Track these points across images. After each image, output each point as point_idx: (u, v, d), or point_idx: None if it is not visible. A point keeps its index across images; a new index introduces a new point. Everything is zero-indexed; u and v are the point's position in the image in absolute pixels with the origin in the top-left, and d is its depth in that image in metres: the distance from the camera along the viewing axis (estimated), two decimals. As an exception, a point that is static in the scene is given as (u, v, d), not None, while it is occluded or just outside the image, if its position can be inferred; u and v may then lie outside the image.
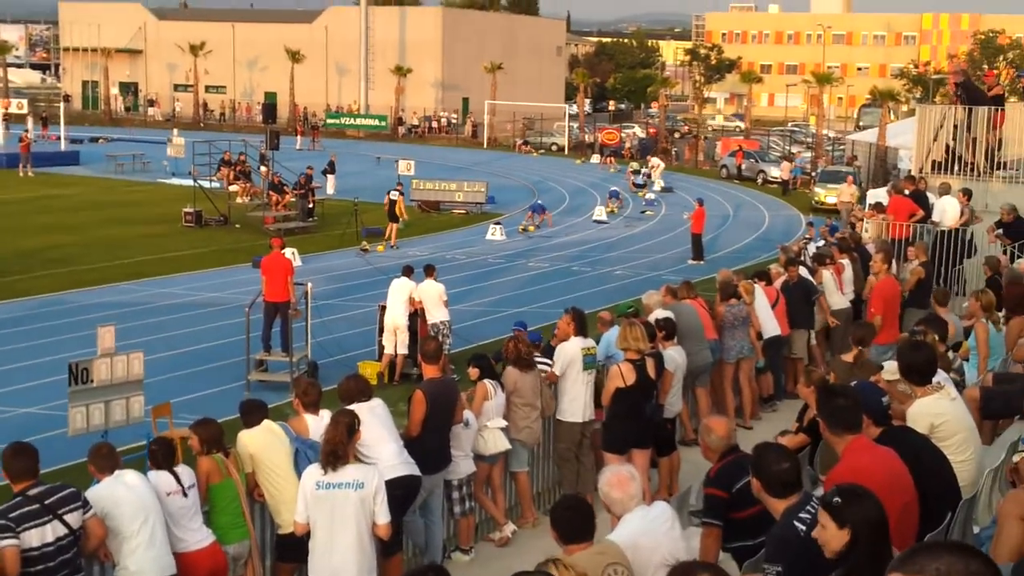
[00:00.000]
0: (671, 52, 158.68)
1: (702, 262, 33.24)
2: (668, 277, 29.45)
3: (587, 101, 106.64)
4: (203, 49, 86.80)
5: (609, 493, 6.06)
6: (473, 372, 10.70)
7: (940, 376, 7.77)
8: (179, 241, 34.29)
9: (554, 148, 76.21)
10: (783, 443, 9.68)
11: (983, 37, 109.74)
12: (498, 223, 38.07)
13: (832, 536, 4.72)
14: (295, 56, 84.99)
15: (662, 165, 59.06)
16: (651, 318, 13.08)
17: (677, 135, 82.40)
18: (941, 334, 9.58)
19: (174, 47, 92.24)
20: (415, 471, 9.15)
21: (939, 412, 6.92)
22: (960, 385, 9.61)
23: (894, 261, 17.29)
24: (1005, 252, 18.35)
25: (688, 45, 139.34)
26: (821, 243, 24.47)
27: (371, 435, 8.93)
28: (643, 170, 54.48)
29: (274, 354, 19.21)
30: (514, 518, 11.19)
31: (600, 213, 42.80)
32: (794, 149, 69.43)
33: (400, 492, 9.02)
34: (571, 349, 11.22)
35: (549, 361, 11.82)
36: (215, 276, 28.99)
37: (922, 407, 6.92)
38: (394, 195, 34.68)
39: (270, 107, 43.49)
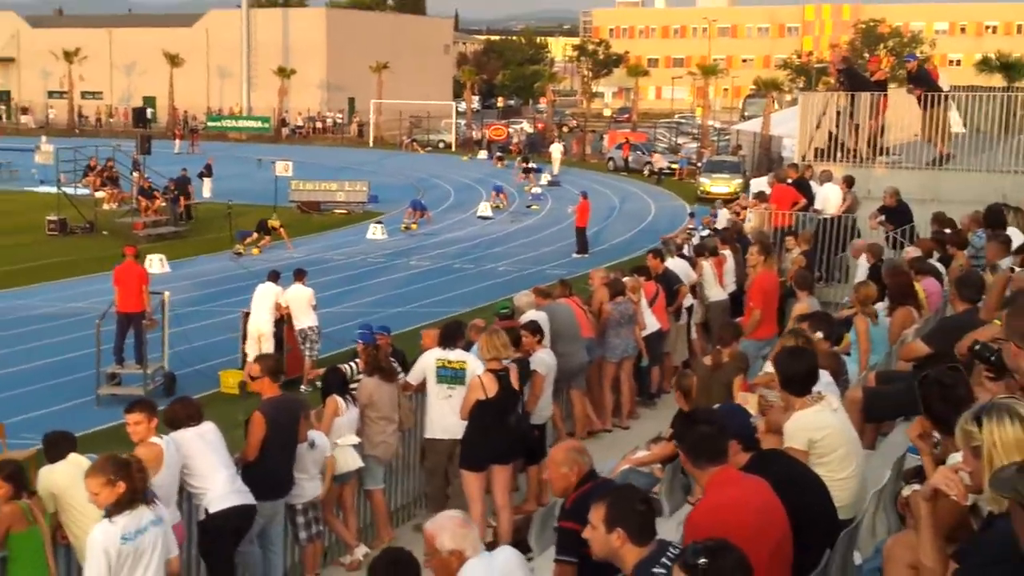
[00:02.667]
0: (560, 48, 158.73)
1: (587, 255, 32.64)
2: (552, 272, 28.76)
3: (476, 98, 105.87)
4: (78, 55, 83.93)
5: (443, 542, 5.09)
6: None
7: (822, 383, 7.05)
8: (42, 250, 32.57)
9: (441, 145, 75.34)
10: (653, 452, 8.97)
11: (864, 26, 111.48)
12: (379, 222, 37.04)
13: None
14: (174, 60, 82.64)
15: (561, 148, 58.87)
16: (521, 320, 12.29)
17: (565, 129, 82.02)
18: (827, 331, 8.87)
19: (48, 54, 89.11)
20: (249, 500, 8.22)
21: (819, 426, 6.19)
22: (846, 384, 8.92)
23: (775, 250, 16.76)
24: (888, 238, 17.92)
25: (576, 41, 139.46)
26: (706, 233, 24.00)
27: (200, 463, 8.02)
28: (532, 165, 53.93)
29: (127, 367, 17.99)
30: (370, 538, 10.27)
31: (484, 209, 42.01)
32: (680, 140, 69.51)
33: (232, 523, 8.11)
34: (425, 360, 10.30)
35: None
36: (77, 286, 27.42)
37: (801, 421, 6.16)
38: (276, 221, 33.26)
39: (141, 111, 41.85)
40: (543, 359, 11.22)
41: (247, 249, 32.38)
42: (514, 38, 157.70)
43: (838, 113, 20.98)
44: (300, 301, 18.35)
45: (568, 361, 12.70)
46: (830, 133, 21.28)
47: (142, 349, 17.86)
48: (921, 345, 8.02)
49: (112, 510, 6.26)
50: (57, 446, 7.70)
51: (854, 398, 7.97)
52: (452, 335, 10.30)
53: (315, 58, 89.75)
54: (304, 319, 18.38)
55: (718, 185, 45.94)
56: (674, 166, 56.97)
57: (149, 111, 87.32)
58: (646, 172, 56.57)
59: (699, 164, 53.41)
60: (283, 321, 18.44)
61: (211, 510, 8.00)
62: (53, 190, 38.22)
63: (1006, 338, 4.62)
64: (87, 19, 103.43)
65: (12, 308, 24.65)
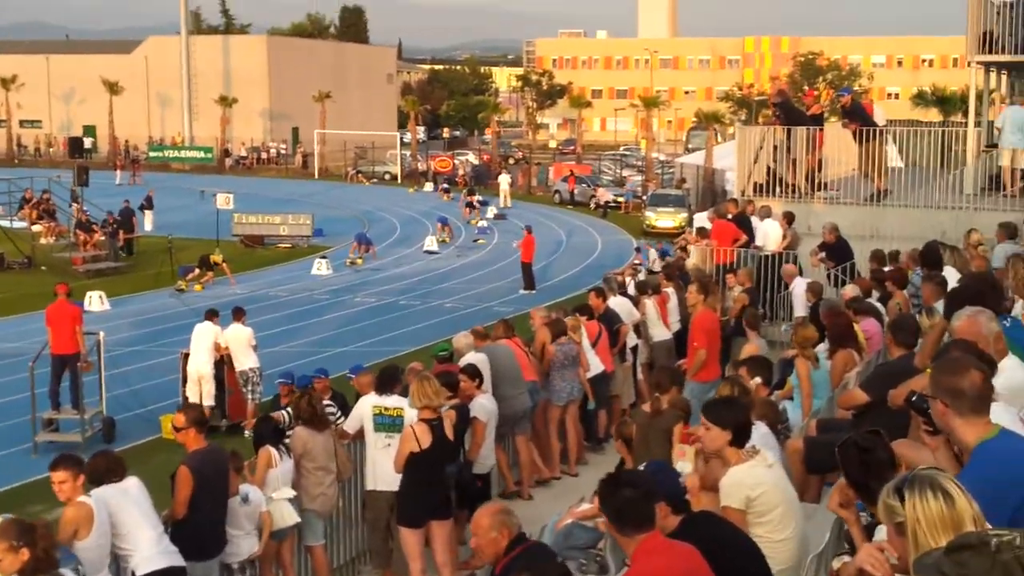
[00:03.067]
0: (504, 78, 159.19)
1: (534, 291, 32.55)
2: (499, 309, 28.67)
3: (421, 129, 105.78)
4: (15, 82, 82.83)
5: None
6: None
7: (758, 434, 6.95)
8: (-24, 286, 31.96)
9: (387, 177, 75.05)
10: (597, 505, 8.84)
11: (803, 59, 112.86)
12: (324, 256, 36.75)
13: None
14: (113, 87, 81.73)
15: (509, 179, 58.91)
16: (461, 362, 12.15)
17: (511, 161, 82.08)
18: (765, 376, 8.80)
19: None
20: (177, 561, 7.94)
21: (755, 483, 6.03)
22: (782, 433, 8.84)
23: (718, 288, 16.75)
24: (829, 276, 18.00)
25: (520, 71, 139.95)
26: (654, 267, 24.00)
27: (125, 521, 7.72)
28: (477, 197, 53.80)
29: (64, 411, 17.60)
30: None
31: (431, 243, 41.84)
32: (626, 172, 69.77)
33: (159, 586, 7.81)
34: (361, 407, 10.12)
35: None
36: (14, 324, 26.92)
37: (736, 477, 6.01)
38: (220, 257, 32.91)
39: (77, 141, 41.40)
40: (483, 405, 11.07)
41: (189, 285, 32.00)
42: (458, 68, 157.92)
43: (775, 147, 21.10)
44: (239, 341, 18.06)
45: (510, 405, 12.57)
46: (768, 168, 21.41)
47: (78, 393, 17.47)
48: (859, 393, 7.95)
49: None
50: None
51: (795, 448, 7.89)
52: (388, 380, 10.11)
53: (257, 86, 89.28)
54: (244, 360, 18.09)
55: (663, 219, 46.11)
56: (620, 199, 57.13)
57: (89, 140, 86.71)
58: (592, 205, 56.66)
59: (644, 197, 53.57)
60: (223, 362, 18.17)
61: (138, 573, 7.71)
62: (-11, 224, 37.61)
63: (932, 395, 4.49)
64: (24, 45, 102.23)
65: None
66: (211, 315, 18.30)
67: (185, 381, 18.20)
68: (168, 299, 30.48)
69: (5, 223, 35.87)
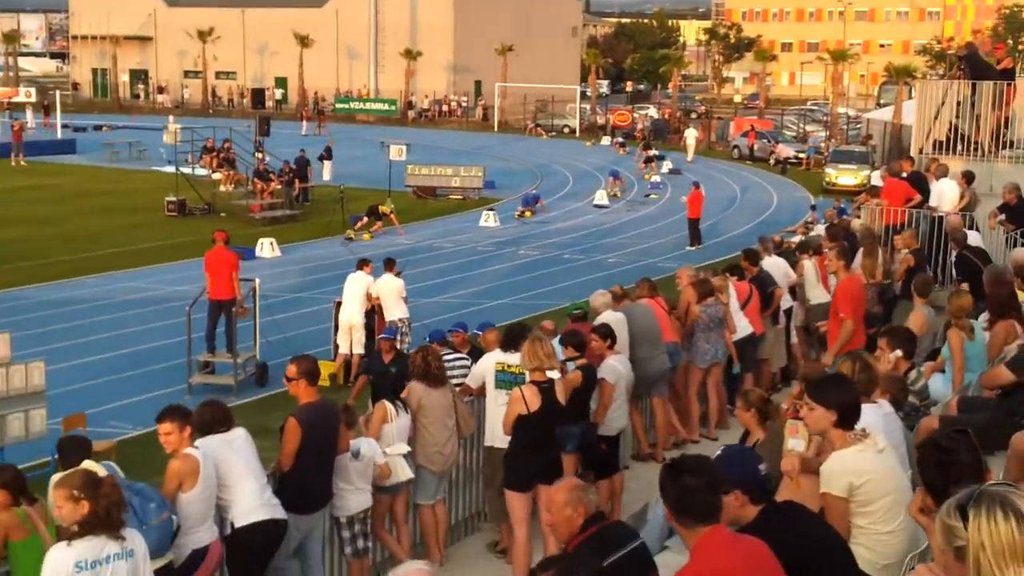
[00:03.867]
0: (692, 32, 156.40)
1: (700, 247, 31.83)
2: (664, 265, 28.11)
3: (604, 82, 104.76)
4: (212, 35, 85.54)
5: None
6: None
7: (878, 413, 6.34)
8: (159, 231, 33.05)
9: (566, 130, 74.69)
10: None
11: (1008, 12, 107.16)
12: (491, 209, 36.66)
13: None
14: (304, 41, 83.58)
15: (696, 133, 58.04)
16: (596, 322, 11.73)
17: (693, 115, 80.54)
18: (906, 349, 8.10)
19: (183, 34, 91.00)
20: (278, 514, 7.82)
21: (860, 469, 5.43)
22: (922, 411, 8.13)
23: (880, 250, 15.82)
24: (1007, 239, 16.80)
25: (708, 24, 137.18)
26: (824, 227, 22.97)
27: (227, 473, 7.63)
28: (653, 152, 52.87)
29: (218, 355, 17.93)
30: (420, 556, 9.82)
31: (601, 197, 41.31)
32: (810, 128, 67.59)
33: (260, 539, 7.72)
34: (484, 363, 9.84)
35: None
36: (188, 268, 27.62)
37: (839, 463, 5.43)
38: (388, 207, 33.19)
39: (260, 93, 42.27)
40: (613, 366, 10.63)
41: (358, 234, 32.39)
42: (646, 21, 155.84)
43: (958, 103, 19.80)
44: (390, 292, 18.03)
45: (647, 366, 12.10)
46: (951, 124, 20.12)
47: (233, 337, 17.78)
48: (1005, 372, 7.22)
49: (72, 531, 5.86)
50: (70, 452, 7.42)
51: (929, 427, 7.21)
52: (514, 337, 9.80)
53: (442, 40, 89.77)
54: (395, 310, 18.05)
55: (845, 176, 44.45)
56: (801, 155, 55.38)
57: (279, 92, 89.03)
58: (772, 161, 55.09)
59: (826, 154, 51.79)
60: (374, 312, 18.20)
61: (237, 524, 7.61)
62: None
63: None
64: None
65: (118, 291, 24.96)
66: (363, 264, 18.31)
67: (337, 329, 18.33)
68: (337, 247, 30.86)
69: (187, 170, 36.88)
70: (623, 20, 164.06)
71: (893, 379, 7.40)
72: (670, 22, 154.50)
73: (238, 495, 7.62)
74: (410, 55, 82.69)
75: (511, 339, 9.81)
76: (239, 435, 7.83)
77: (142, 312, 22.77)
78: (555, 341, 10.91)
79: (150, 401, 16.78)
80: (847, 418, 5.57)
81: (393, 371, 10.76)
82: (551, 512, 5.59)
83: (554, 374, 9.02)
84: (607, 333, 10.79)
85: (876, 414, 6.38)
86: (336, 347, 18.33)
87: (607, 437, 10.67)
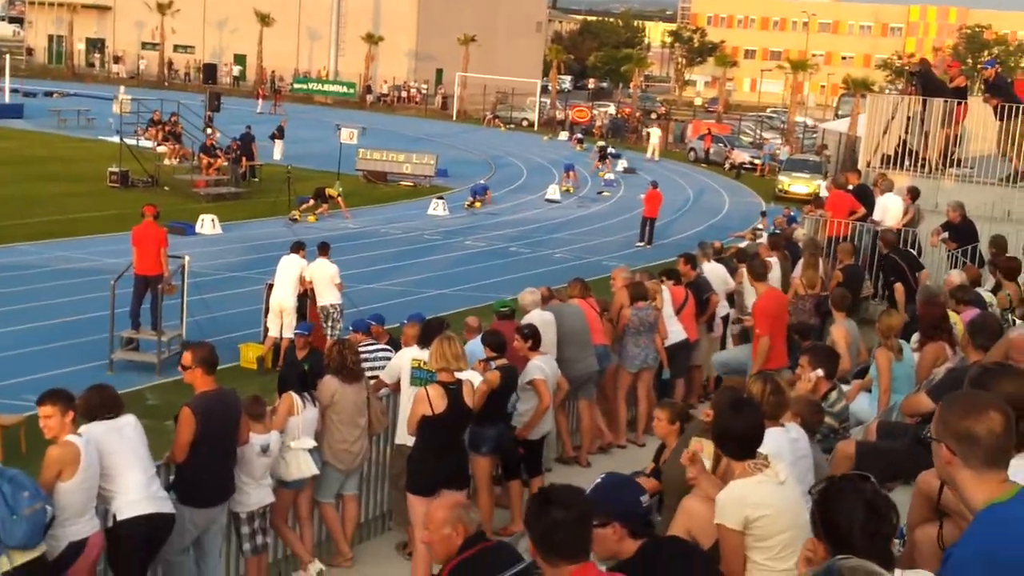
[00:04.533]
0: (658, 33, 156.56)
1: (649, 247, 31.68)
2: (609, 263, 27.78)
3: (567, 78, 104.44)
4: (171, 8, 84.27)
5: None
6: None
7: (787, 437, 6.05)
8: (100, 201, 32.32)
9: (524, 123, 74.42)
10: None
11: (969, 31, 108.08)
12: (441, 198, 36.26)
13: None
14: (265, 19, 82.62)
15: (659, 133, 58.25)
16: (523, 321, 11.42)
17: (653, 116, 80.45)
18: (828, 368, 7.83)
19: (143, 5, 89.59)
20: (164, 508, 7.43)
21: (758, 502, 5.08)
22: (841, 434, 7.86)
23: (822, 261, 15.66)
24: (949, 257, 16.70)
25: (673, 27, 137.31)
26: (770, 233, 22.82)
27: (113, 462, 7.22)
28: (610, 149, 52.69)
29: (143, 332, 17.45)
30: (326, 554, 9.45)
31: (553, 192, 41.04)
32: (767, 135, 67.73)
33: (143, 533, 7.31)
34: (400, 358, 9.49)
35: None
36: (125, 241, 26.85)
37: (735, 493, 5.10)
38: (336, 190, 32.68)
39: (211, 68, 41.59)
40: (539, 367, 10.32)
41: (303, 216, 31.91)
42: (611, 20, 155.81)
43: (908, 118, 19.70)
44: (323, 277, 17.66)
45: (574, 368, 11.82)
46: (900, 139, 20.03)
47: (158, 314, 17.30)
48: (924, 399, 6.96)
49: None
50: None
51: (845, 453, 6.94)
52: (431, 333, 9.42)
53: (405, 26, 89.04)
54: (327, 296, 17.69)
55: (797, 184, 44.52)
56: (755, 161, 55.45)
57: (237, 69, 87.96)
58: (726, 166, 55.11)
59: (779, 161, 51.90)
60: (306, 296, 17.82)
61: (119, 517, 7.19)
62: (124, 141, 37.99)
63: (936, 436, 3.49)
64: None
65: (48, 260, 24.34)
66: (297, 247, 17.94)
67: (267, 312, 17.93)
68: (280, 228, 30.36)
69: (132, 142, 36.14)
70: (589, 18, 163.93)
71: (804, 401, 7.10)
72: (636, 23, 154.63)
73: (122, 486, 7.22)
74: (371, 39, 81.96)
75: (428, 335, 9.45)
76: (128, 422, 7.42)
77: (72, 283, 22.19)
78: (478, 339, 10.62)
79: (67, 376, 16.25)
80: (746, 445, 5.26)
81: (305, 367, 10.38)
82: (429, 530, 5.23)
83: (467, 375, 8.70)
84: (529, 334, 10.47)
85: (782, 439, 6.08)
86: (266, 330, 17.91)
87: (529, 441, 10.36)
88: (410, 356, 9.50)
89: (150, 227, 17.51)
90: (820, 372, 7.84)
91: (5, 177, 35.03)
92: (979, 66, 25.92)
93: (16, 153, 41.39)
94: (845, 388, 10.20)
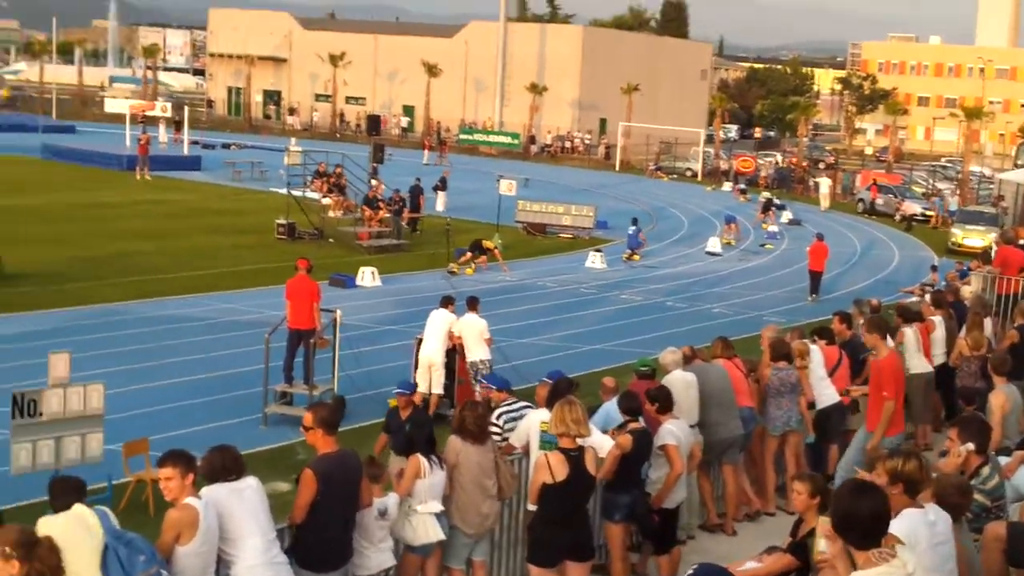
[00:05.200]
0: (827, 81, 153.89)
1: (812, 300, 30.86)
2: (769, 319, 27.10)
3: (733, 127, 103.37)
4: (343, 59, 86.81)
5: None
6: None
7: (924, 521, 5.58)
8: (267, 253, 33.14)
9: (688, 173, 73.80)
10: (766, 565, 7.63)
11: None
12: (599, 250, 36.06)
13: None
14: (432, 70, 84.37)
15: (830, 183, 57.59)
16: (665, 381, 11.10)
17: (821, 165, 78.78)
18: (980, 443, 7.26)
19: (316, 57, 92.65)
20: (283, 573, 7.34)
21: None
22: (994, 513, 7.29)
23: (989, 321, 14.86)
24: None
25: (843, 74, 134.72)
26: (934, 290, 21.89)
27: (232, 526, 7.17)
28: (776, 201, 51.70)
29: (296, 386, 17.66)
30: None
31: (714, 244, 40.38)
32: (941, 185, 65.47)
33: (260, 599, 7.22)
34: (529, 420, 9.27)
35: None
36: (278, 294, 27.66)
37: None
38: (494, 243, 32.89)
39: (374, 120, 42.44)
40: (670, 430, 9.96)
41: (461, 269, 32.13)
42: (779, 67, 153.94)
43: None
44: (472, 332, 17.60)
45: (719, 431, 11.45)
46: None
47: (310, 368, 17.49)
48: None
49: None
50: (59, 494, 6.98)
51: (995, 535, 6.43)
52: (560, 394, 9.19)
53: (569, 76, 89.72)
54: (476, 351, 17.62)
55: (972, 238, 42.74)
56: (928, 213, 53.64)
57: (405, 120, 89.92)
58: (897, 217, 53.46)
59: (953, 213, 50.07)
60: (455, 351, 17.79)
61: (238, 583, 7.17)
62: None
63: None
64: (356, 24, 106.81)
65: (215, 311, 24.98)
66: (446, 302, 17.96)
67: (417, 367, 17.95)
68: (439, 280, 30.58)
69: (299, 194, 37.08)
70: (756, 65, 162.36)
71: (949, 480, 6.59)
72: (804, 69, 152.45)
73: (242, 550, 7.16)
74: (536, 89, 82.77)
75: (557, 396, 9.21)
76: (249, 484, 7.37)
77: (234, 336, 22.68)
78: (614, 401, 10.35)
79: (219, 430, 16.62)
80: (869, 535, 4.86)
81: (407, 428, 10.25)
82: None
83: (598, 440, 8.43)
84: (656, 396, 10.11)
85: (918, 522, 5.64)
86: (416, 385, 17.90)
87: (664, 509, 10.01)
88: (539, 418, 9.29)
89: (303, 281, 17.77)
90: (971, 446, 7.30)
91: (179, 229, 36.35)
92: None
93: (191, 205, 43.00)
94: (1005, 459, 9.56)
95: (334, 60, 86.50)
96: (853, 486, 5.07)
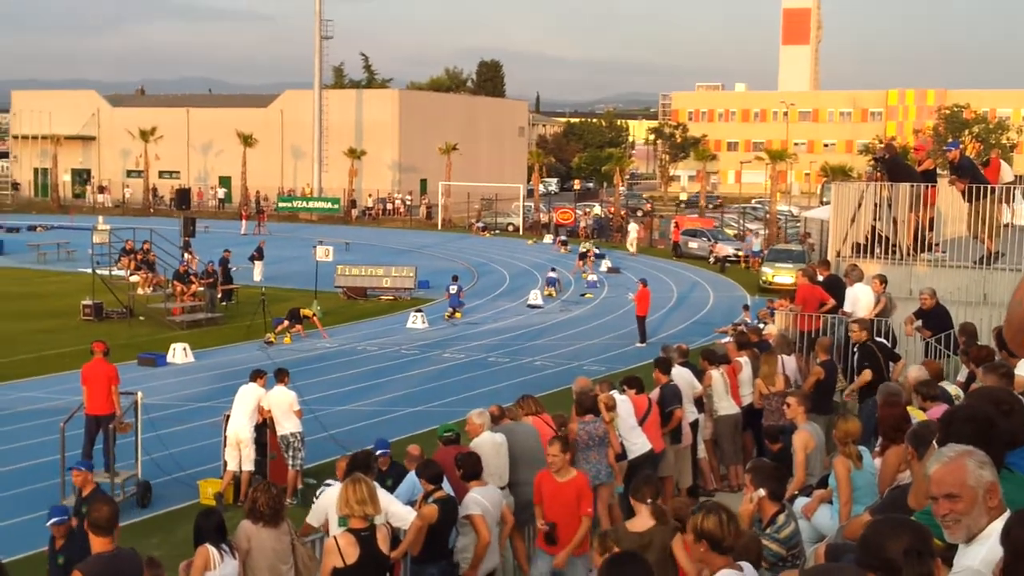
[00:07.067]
0: (641, 131, 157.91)
1: (643, 345, 31.16)
2: (591, 368, 27.26)
3: (553, 181, 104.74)
4: (155, 134, 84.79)
5: None
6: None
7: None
8: (71, 337, 31.67)
9: (510, 228, 74.41)
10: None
11: (948, 112, 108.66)
12: (419, 310, 35.80)
13: None
14: (247, 140, 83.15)
15: (637, 228, 59.09)
16: (472, 444, 10.83)
17: (639, 213, 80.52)
18: (772, 488, 7.17)
19: (126, 133, 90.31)
20: None
21: None
22: (790, 562, 7.19)
23: (792, 358, 15.07)
24: (926, 347, 16.14)
25: (656, 124, 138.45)
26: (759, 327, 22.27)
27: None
28: (594, 250, 52.47)
29: (96, 475, 16.70)
30: None
31: (535, 297, 40.57)
32: (751, 226, 67.58)
33: None
34: (328, 497, 8.85)
35: None
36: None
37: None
38: (313, 310, 32.32)
39: (183, 194, 41.45)
40: (475, 499, 9.66)
41: (278, 338, 31.41)
42: (594, 121, 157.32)
43: (876, 205, 19.29)
44: (281, 405, 17.02)
45: (529, 491, 11.16)
46: (871, 227, 19.59)
47: (111, 455, 16.64)
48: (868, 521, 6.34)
49: None
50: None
51: (789, 581, 6.31)
52: (358, 468, 8.81)
53: (387, 139, 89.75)
54: (286, 424, 17.04)
55: (781, 275, 44.03)
56: (739, 253, 55.23)
57: (222, 191, 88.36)
58: (711, 260, 54.86)
59: (763, 252, 51.63)
60: (265, 426, 17.19)
61: None
62: (100, 272, 37.46)
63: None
64: (166, 99, 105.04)
65: (14, 401, 23.71)
66: (256, 375, 17.34)
67: (226, 444, 17.27)
68: (255, 352, 29.79)
69: (104, 272, 35.76)
70: (573, 120, 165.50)
71: (747, 538, 6.42)
72: (619, 122, 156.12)
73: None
74: (354, 154, 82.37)
75: (355, 469, 8.82)
76: None
77: (28, 427, 21.46)
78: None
79: (14, 528, 15.66)
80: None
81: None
82: None
83: (395, 512, 8.07)
84: (462, 463, 9.80)
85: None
86: (225, 463, 17.23)
87: (479, 578, 9.69)
88: (335, 495, 8.86)
89: (100, 364, 16.97)
90: (762, 492, 7.20)
91: (-25, 317, 34.61)
92: (943, 148, 25.54)
93: (-10, 291, 41.04)
94: (804, 500, 9.56)
95: (144, 135, 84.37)
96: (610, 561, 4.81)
